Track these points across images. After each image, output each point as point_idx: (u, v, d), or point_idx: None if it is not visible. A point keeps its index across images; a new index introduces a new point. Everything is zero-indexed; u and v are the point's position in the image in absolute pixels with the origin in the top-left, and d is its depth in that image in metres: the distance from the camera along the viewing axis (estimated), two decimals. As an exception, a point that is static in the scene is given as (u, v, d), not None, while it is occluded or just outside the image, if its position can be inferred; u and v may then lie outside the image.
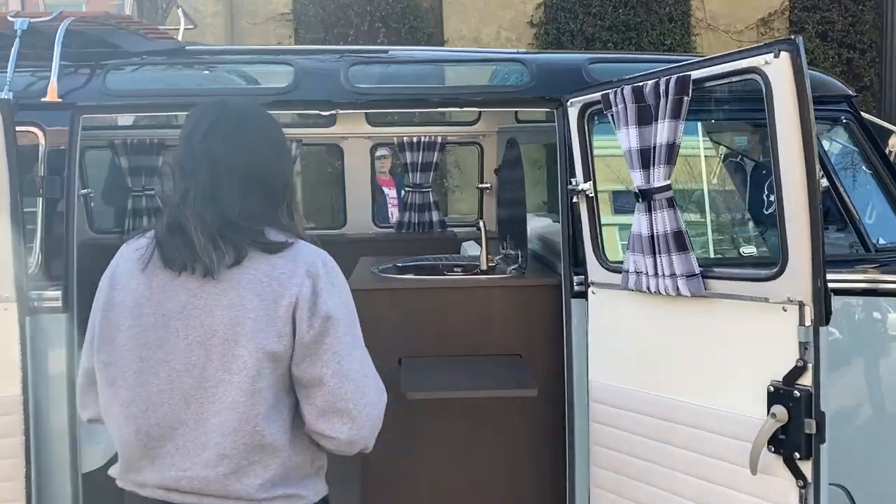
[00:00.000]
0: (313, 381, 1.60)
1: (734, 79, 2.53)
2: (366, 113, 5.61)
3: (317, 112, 3.52)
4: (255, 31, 12.98)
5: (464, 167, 11.04)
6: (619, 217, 3.60)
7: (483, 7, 13.46)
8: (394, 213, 7.42)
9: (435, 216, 5.95)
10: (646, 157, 2.79)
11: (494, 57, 3.72)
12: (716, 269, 2.74)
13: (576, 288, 3.32)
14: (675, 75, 2.65)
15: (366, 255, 5.53)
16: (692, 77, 2.62)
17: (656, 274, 2.83)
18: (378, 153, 6.73)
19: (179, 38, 4.77)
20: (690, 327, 2.79)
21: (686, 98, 2.65)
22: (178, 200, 1.65)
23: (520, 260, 3.74)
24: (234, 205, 1.63)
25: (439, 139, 5.78)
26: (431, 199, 5.93)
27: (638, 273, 2.92)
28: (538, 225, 4.82)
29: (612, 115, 2.93)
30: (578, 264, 3.32)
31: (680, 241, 2.75)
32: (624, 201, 3.63)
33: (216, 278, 1.59)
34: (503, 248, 4.19)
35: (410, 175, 5.86)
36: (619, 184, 3.46)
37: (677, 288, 2.77)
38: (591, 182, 3.15)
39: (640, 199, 2.83)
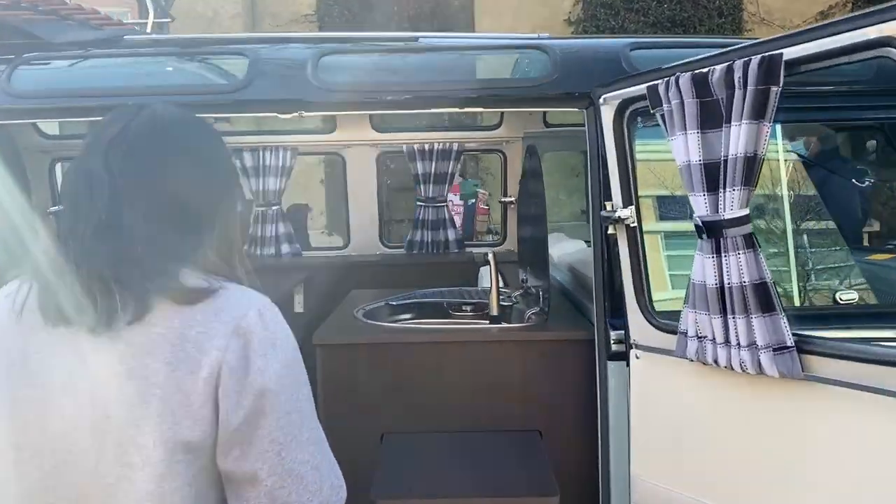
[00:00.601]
0: (245, 478, 1.23)
1: (852, 57, 1.68)
2: (370, 116, 4.85)
3: (275, 115, 2.74)
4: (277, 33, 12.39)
5: (496, 174, 10.26)
6: (675, 249, 2.76)
7: (517, 5, 12.65)
8: (455, 221, 6.64)
9: (451, 234, 5.15)
10: (713, 176, 1.95)
11: (507, 43, 2.92)
12: (816, 341, 1.87)
13: (613, 347, 2.49)
14: (760, 55, 1.80)
15: (372, 279, 4.80)
16: (785, 57, 1.77)
17: (727, 342, 1.99)
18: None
19: (148, 29, 4.08)
20: (780, 422, 1.94)
21: (775, 89, 1.80)
22: (65, 231, 1.27)
23: (541, 301, 2.91)
24: (138, 239, 1.25)
25: (455, 147, 4.97)
26: (447, 216, 5.12)
27: (700, 338, 2.07)
28: (568, 250, 3.98)
29: (662, 116, 2.09)
30: (617, 315, 2.49)
31: (764, 298, 1.90)
32: (680, 221, 2.78)
33: (111, 338, 1.22)
34: (523, 279, 3.36)
35: (422, 188, 5.07)
36: (675, 207, 2.62)
37: (759, 365, 1.92)
38: (634, 207, 2.32)
39: (705, 236, 1.98)
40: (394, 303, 3.34)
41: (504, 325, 2.92)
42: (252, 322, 1.22)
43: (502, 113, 4.88)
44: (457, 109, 2.70)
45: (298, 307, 4.77)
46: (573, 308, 3.10)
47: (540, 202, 2.90)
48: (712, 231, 1.96)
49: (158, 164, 1.28)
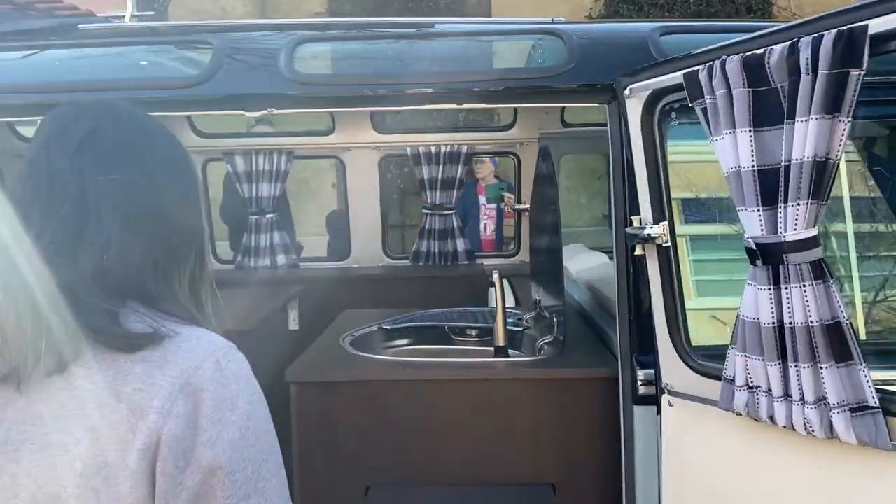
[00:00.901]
0: None
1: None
2: (371, 116, 4.46)
3: (242, 112, 2.34)
4: (288, 33, 12.08)
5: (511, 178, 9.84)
6: (715, 271, 2.34)
7: (535, 1, 12.26)
8: (488, 227, 6.26)
9: (460, 245, 4.74)
10: (770, 186, 1.53)
11: (517, 28, 2.51)
12: (910, 399, 1.45)
13: (641, 389, 2.07)
14: (836, 29, 1.38)
15: (373, 295, 4.41)
16: (870, 31, 1.35)
17: (788, 396, 1.56)
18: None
19: (126, 19, 3.72)
20: (855, 501, 1.51)
21: (856, 74, 1.37)
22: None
23: (555, 328, 2.50)
24: (94, 260, 1.01)
25: (464, 149, 4.57)
26: (455, 224, 4.71)
27: (752, 389, 1.65)
28: (588, 264, 3.56)
29: (704, 110, 1.67)
30: (646, 349, 2.07)
31: (838, 343, 1.47)
32: (722, 242, 2.37)
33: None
34: (536, 300, 2.95)
35: (428, 194, 4.67)
36: (720, 217, 2.21)
37: (830, 428, 1.49)
38: (667, 223, 1.90)
39: (759, 262, 1.56)
40: (388, 327, 2.94)
41: (511, 358, 2.51)
42: (206, 377, 0.97)
43: (516, 112, 4.47)
44: (455, 106, 2.30)
45: (293, 324, 4.39)
46: (593, 336, 2.68)
47: (553, 210, 2.49)
48: (769, 256, 1.54)
49: (136, 174, 1.08)
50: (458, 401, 2.30)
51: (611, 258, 3.80)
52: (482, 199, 6.60)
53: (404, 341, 2.96)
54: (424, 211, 4.72)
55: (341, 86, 2.28)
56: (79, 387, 0.97)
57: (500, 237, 6.57)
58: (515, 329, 2.82)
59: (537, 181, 2.93)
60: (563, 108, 4.43)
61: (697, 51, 1.72)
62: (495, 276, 2.51)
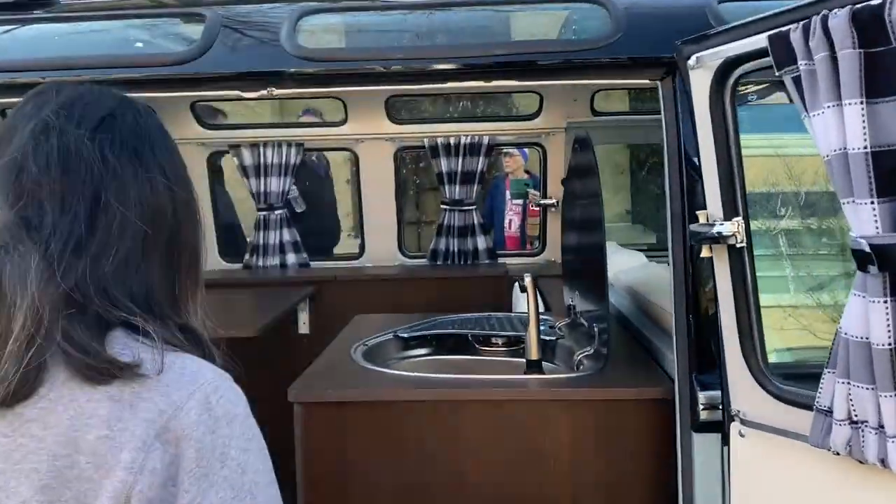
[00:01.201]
0: None
1: None
2: (385, 105, 4.17)
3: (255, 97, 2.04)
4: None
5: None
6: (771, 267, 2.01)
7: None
8: (512, 223, 5.97)
9: (481, 243, 4.43)
10: (888, 171, 1.21)
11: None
12: None
13: (702, 414, 1.76)
14: None
15: (389, 296, 4.12)
16: None
17: (909, 436, 1.25)
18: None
19: None
20: None
21: None
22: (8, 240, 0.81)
23: (596, 338, 2.18)
24: (97, 264, 0.82)
25: (485, 140, 4.26)
26: (475, 221, 4.40)
27: (857, 424, 1.33)
28: (625, 265, 3.24)
29: (796, 80, 1.35)
30: (708, 367, 1.76)
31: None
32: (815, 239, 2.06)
33: None
34: (570, 305, 2.64)
35: (447, 189, 4.36)
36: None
37: (970, 479, 1.18)
38: (741, 218, 1.58)
39: (873, 266, 1.24)
40: (404, 335, 2.64)
41: (546, 375, 2.19)
42: (190, 420, 0.79)
43: (541, 100, 4.15)
44: (480, 84, 1.99)
45: (303, 327, 4.11)
46: (636, 348, 2.36)
47: (595, 206, 2.18)
48: (887, 260, 1.22)
49: (156, 170, 0.91)
50: (485, 424, 2.00)
51: (653, 258, 3.50)
52: (509, 195, 6.30)
53: (422, 351, 2.66)
54: (443, 206, 4.41)
55: (351, 62, 1.97)
56: (27, 433, 0.77)
57: (524, 235, 6.26)
58: (547, 338, 2.51)
59: (572, 173, 2.62)
60: (594, 95, 4.12)
61: (786, 6, 1.40)
62: (527, 281, 2.20)
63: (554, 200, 4.33)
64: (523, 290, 2.17)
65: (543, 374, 2.18)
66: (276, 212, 4.37)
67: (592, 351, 2.19)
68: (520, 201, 6.25)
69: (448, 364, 2.57)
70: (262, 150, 4.29)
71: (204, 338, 0.91)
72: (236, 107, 6.14)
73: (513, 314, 2.98)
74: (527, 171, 6.40)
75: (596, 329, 2.18)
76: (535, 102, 4.21)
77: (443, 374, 2.08)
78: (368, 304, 4.12)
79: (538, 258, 4.47)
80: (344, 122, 4.26)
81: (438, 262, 4.43)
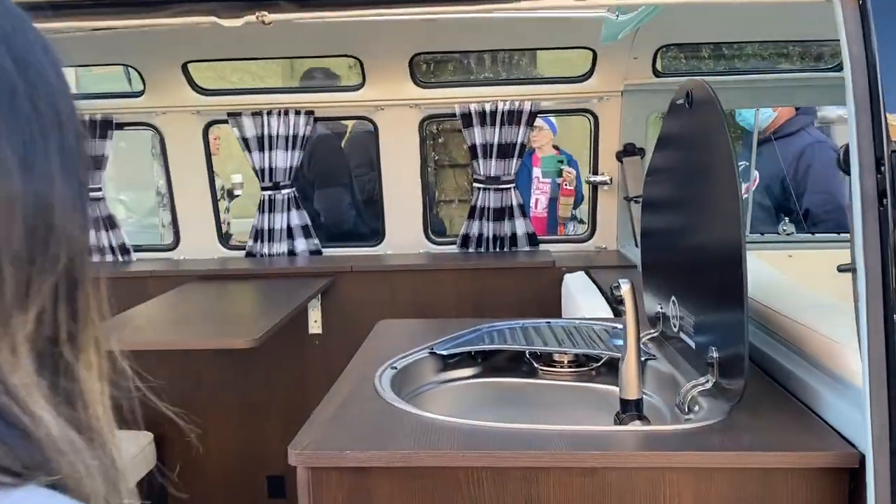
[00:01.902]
0: None
1: None
2: (409, 66, 3.54)
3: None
4: None
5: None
6: None
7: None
8: (539, 202, 5.37)
9: (520, 227, 3.81)
10: None
11: None
12: None
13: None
14: None
15: (414, 291, 3.54)
16: None
17: None
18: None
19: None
20: None
21: None
22: None
23: (716, 367, 1.56)
24: None
25: (527, 106, 3.62)
26: (514, 202, 3.78)
27: None
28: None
29: None
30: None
31: None
32: None
33: None
34: (658, 314, 2.01)
35: (481, 164, 3.74)
36: None
37: None
38: None
39: None
40: (443, 351, 2.04)
41: (653, 426, 1.57)
42: None
43: (594, 57, 3.51)
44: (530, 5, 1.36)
45: (315, 327, 3.53)
46: (760, 378, 1.73)
47: (718, 183, 1.55)
48: None
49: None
50: (570, 498, 1.39)
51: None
52: (536, 172, 5.68)
53: (467, 372, 2.06)
54: (476, 185, 3.79)
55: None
56: None
57: (554, 217, 5.65)
58: (607, 353, 1.90)
59: (667, 141, 1.98)
60: (657, 52, 3.47)
61: None
62: (624, 289, 1.56)
63: (608, 178, 3.71)
64: (618, 301, 1.54)
65: (645, 419, 1.56)
66: (283, 191, 3.77)
67: (711, 384, 1.57)
68: (549, 180, 5.64)
69: (504, 393, 1.98)
70: (265, 118, 3.68)
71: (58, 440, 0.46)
72: (237, 71, 5.54)
73: (577, 320, 2.36)
74: (555, 147, 5.78)
75: (716, 354, 1.56)
76: (588, 62, 3.56)
77: (505, 425, 1.47)
78: (391, 299, 3.53)
79: (587, 244, 3.85)
80: (361, 85, 3.64)
81: (471, 250, 3.82)
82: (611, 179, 3.70)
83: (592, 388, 1.99)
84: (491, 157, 3.69)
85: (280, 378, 3.48)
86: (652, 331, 2.03)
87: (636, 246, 3.68)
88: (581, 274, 3.25)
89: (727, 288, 1.47)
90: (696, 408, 1.58)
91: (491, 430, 1.46)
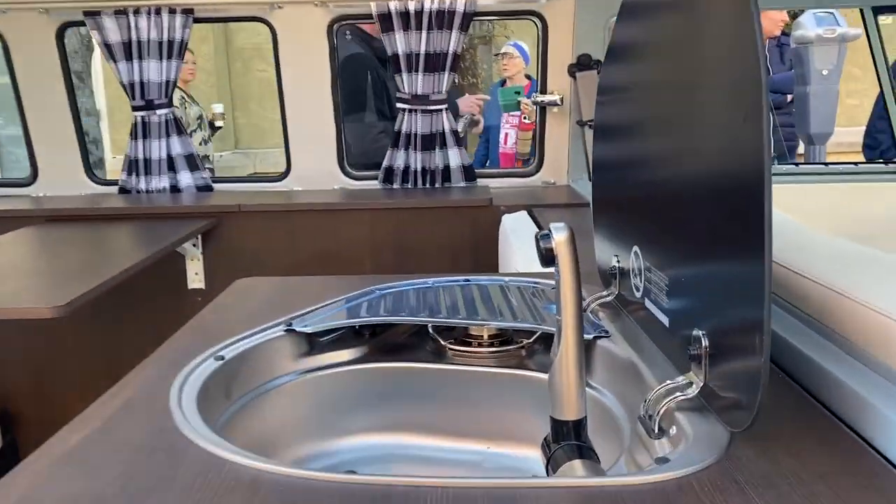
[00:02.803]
0: None
1: None
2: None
3: None
4: None
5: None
6: None
7: None
8: (508, 137, 4.87)
9: (453, 159, 3.15)
10: None
11: None
12: None
13: None
14: None
15: (322, 235, 2.89)
16: None
17: None
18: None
19: None
20: None
21: None
22: None
23: (704, 360, 0.94)
24: None
25: (460, 6, 2.92)
26: (446, 127, 3.11)
27: None
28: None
29: None
30: None
31: None
32: None
33: None
34: (617, 267, 1.39)
35: (405, 80, 3.04)
36: None
37: None
38: None
39: None
40: (306, 327, 1.39)
41: (615, 478, 0.96)
42: None
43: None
44: None
45: (195, 280, 2.86)
46: (785, 382, 1.12)
47: (744, 83, 0.90)
48: None
49: None
50: None
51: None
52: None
53: (344, 356, 1.42)
54: (400, 105, 3.11)
55: None
56: None
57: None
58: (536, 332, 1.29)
59: (637, 36, 1.31)
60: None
61: None
62: (558, 239, 0.91)
63: (558, 97, 3.06)
64: (547, 258, 0.90)
65: (589, 455, 0.94)
66: (159, 112, 3.04)
67: (696, 392, 0.96)
68: (518, 113, 5.02)
69: (394, 387, 1.35)
70: (132, 19, 2.92)
71: None
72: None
73: (507, 277, 1.73)
74: (528, 77, 5.16)
75: (705, 342, 0.94)
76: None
77: (352, 479, 0.84)
78: (291, 247, 2.87)
79: (533, 179, 3.22)
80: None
81: (395, 185, 3.16)
82: (561, 100, 3.05)
83: (522, 376, 1.38)
84: (417, 70, 3.00)
85: (149, 340, 2.82)
86: (604, 293, 1.42)
87: (590, 180, 3.07)
88: (522, 214, 2.62)
89: (733, 228, 0.84)
90: (673, 429, 0.97)
91: (324, 488, 0.83)
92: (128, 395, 1.09)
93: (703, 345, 0.95)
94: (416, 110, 3.04)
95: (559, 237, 0.89)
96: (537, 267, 1.88)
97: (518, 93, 5.01)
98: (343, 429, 1.37)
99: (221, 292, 2.66)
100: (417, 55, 2.96)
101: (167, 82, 3.00)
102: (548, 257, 0.89)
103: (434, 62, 2.97)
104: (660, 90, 1.13)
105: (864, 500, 0.73)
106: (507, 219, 2.61)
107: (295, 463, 1.29)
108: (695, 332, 0.97)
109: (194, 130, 4.93)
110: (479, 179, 3.18)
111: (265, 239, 2.83)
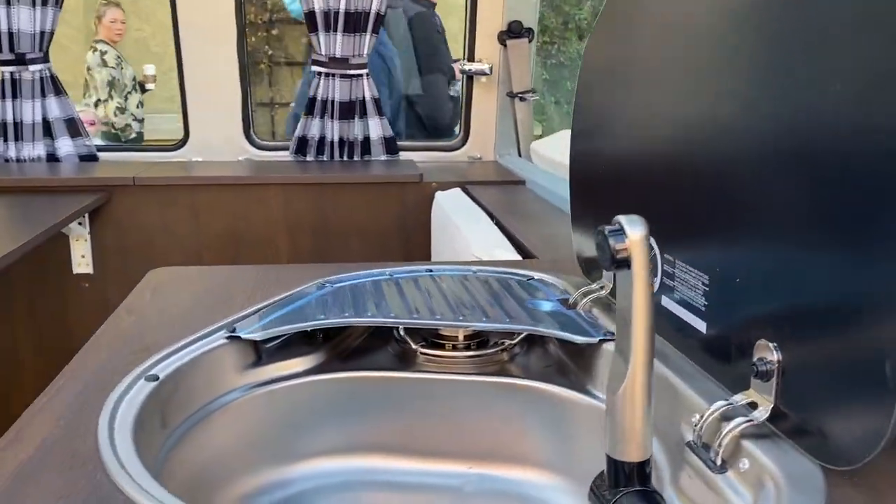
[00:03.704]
0: None
1: None
2: None
3: None
4: None
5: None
6: None
7: None
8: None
9: (374, 130, 2.91)
10: None
11: None
12: None
13: None
14: None
15: (229, 210, 2.58)
16: None
17: None
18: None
19: None
20: None
21: None
22: None
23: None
24: None
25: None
26: (368, 95, 2.85)
27: None
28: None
29: None
30: None
31: None
32: None
33: None
34: (580, 254, 1.23)
35: (321, 39, 2.76)
36: None
37: None
38: None
39: None
40: (252, 335, 1.14)
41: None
42: None
43: None
44: None
45: (82, 265, 2.49)
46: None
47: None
48: None
49: None
50: None
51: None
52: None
53: (298, 366, 1.18)
54: (316, 69, 2.82)
55: None
56: None
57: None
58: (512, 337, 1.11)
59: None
60: None
61: None
62: (633, 238, 0.71)
63: (487, 66, 2.87)
64: (617, 262, 0.71)
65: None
66: (32, 68, 2.61)
67: (766, 416, 0.80)
68: None
69: (358, 402, 1.14)
70: (-4, -44, 2.48)
71: None
72: None
73: (474, 267, 1.52)
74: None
75: (776, 355, 0.79)
76: None
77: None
78: (193, 228, 2.55)
79: (458, 153, 3.02)
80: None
81: (309, 158, 2.88)
82: (490, 69, 2.86)
83: (506, 384, 1.19)
84: (335, 29, 2.72)
85: (31, 336, 2.44)
86: (594, 286, 1.25)
87: (520, 156, 2.91)
88: (457, 192, 2.43)
89: (853, 209, 0.68)
90: (744, 462, 0.81)
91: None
92: (42, 435, 0.82)
93: (775, 358, 0.80)
94: (333, 74, 2.76)
95: (634, 234, 0.70)
96: (494, 252, 1.70)
97: None
98: (301, 452, 1.15)
99: (114, 278, 2.30)
100: (336, 13, 2.68)
101: (42, 33, 2.57)
102: (619, 260, 0.70)
103: (355, 21, 2.70)
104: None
105: None
106: (440, 196, 2.40)
107: (245, 499, 1.06)
108: (759, 342, 0.82)
109: (130, 92, 4.90)
110: (400, 153, 2.95)
111: (163, 217, 2.49)
